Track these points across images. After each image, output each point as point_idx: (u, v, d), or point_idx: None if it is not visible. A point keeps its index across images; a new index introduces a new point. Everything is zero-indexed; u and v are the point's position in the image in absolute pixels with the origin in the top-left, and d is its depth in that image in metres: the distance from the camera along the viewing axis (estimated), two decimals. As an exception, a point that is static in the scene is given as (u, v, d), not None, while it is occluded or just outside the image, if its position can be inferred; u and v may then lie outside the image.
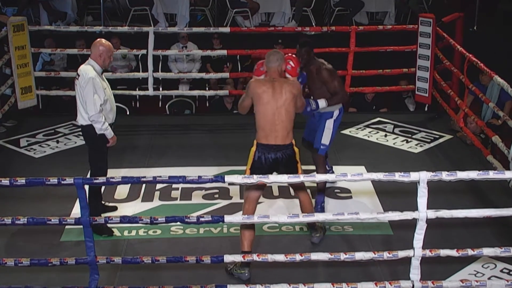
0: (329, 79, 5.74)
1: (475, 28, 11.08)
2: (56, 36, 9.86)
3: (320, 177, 4.66)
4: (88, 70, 5.39)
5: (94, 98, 5.36)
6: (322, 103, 5.73)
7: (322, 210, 5.83)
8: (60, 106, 9.12)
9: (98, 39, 5.53)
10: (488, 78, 7.63)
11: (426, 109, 9.08)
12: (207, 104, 10.09)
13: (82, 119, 5.53)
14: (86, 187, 4.53)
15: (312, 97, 5.78)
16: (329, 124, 5.88)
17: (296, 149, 5.11)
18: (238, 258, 4.72)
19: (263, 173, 4.76)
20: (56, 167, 6.86)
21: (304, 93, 5.72)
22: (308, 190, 5.37)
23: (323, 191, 5.88)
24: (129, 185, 6.35)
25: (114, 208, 6.01)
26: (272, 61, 5.07)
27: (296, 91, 5.04)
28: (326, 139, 5.88)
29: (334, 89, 5.76)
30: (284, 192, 6.24)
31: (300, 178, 4.59)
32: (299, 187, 5.27)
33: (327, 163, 6.21)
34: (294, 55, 5.50)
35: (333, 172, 6.33)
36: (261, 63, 5.24)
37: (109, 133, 5.55)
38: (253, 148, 5.07)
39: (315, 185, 5.87)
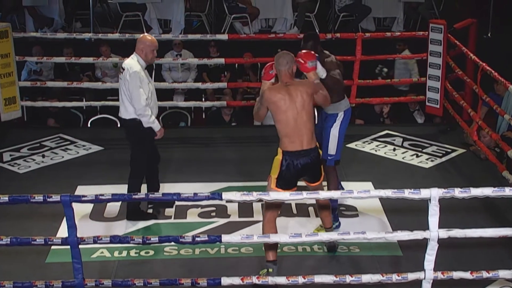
0: (331, 68, 5.73)
1: (489, 35, 11.13)
2: (43, 44, 9.90)
3: (324, 194, 4.66)
4: (133, 64, 5.79)
5: (140, 92, 5.74)
6: (321, 72, 5.58)
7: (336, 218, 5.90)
8: (46, 118, 9.12)
9: (143, 35, 6.01)
10: (503, 88, 7.64)
11: (435, 121, 9.11)
12: (204, 116, 10.10)
13: (126, 113, 5.89)
14: (74, 204, 4.53)
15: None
16: (334, 131, 5.88)
17: (320, 152, 5.29)
18: (236, 280, 4.71)
19: (290, 182, 5.05)
20: (41, 184, 6.85)
21: None
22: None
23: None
24: (120, 202, 6.33)
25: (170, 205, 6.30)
26: (282, 64, 5.14)
27: (312, 90, 5.16)
28: (332, 148, 5.89)
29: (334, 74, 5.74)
30: (285, 210, 6.24)
31: (303, 195, 4.59)
32: (319, 189, 5.31)
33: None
34: (302, 52, 5.49)
35: (342, 188, 6.32)
36: (270, 66, 5.29)
37: (157, 126, 5.96)
38: (279, 157, 5.13)
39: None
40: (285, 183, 5.09)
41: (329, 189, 5.88)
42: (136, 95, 5.77)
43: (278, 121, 5.11)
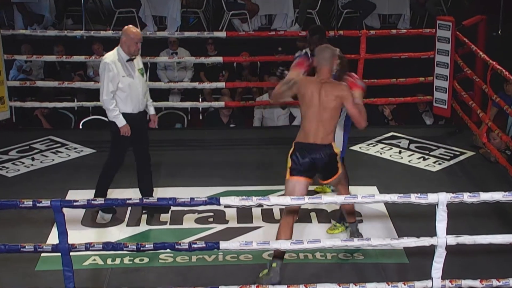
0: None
1: (499, 32, 11.13)
2: (32, 42, 9.90)
3: (327, 199, 4.66)
4: (108, 56, 5.99)
5: (105, 84, 5.90)
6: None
7: None
8: (36, 119, 9.13)
9: (127, 26, 6.08)
10: (512, 88, 7.68)
11: (443, 122, 9.12)
12: (201, 117, 10.11)
13: (101, 102, 6.09)
14: (65, 210, 4.53)
15: None
16: (338, 130, 5.94)
17: (337, 150, 5.30)
18: (235, 289, 4.72)
19: (304, 170, 5.17)
20: (31, 188, 6.85)
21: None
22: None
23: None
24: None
25: (166, 210, 6.33)
26: (325, 58, 5.26)
27: (342, 92, 5.21)
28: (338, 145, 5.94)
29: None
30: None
31: (305, 199, 4.60)
32: (337, 183, 5.49)
33: None
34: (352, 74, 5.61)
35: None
36: (304, 60, 5.44)
37: (119, 122, 6.00)
38: (291, 150, 5.29)
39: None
40: (298, 170, 5.23)
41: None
42: (102, 86, 5.97)
43: (301, 112, 5.31)
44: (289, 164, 5.26)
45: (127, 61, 6.00)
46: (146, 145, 6.33)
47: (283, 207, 5.60)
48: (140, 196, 6.26)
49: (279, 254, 5.22)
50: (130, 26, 6.10)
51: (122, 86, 5.96)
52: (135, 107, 6.10)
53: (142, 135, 6.24)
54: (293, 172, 5.25)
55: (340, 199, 4.71)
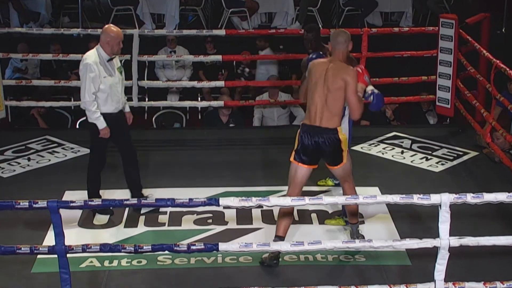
0: None
1: (503, 30, 11.14)
2: (28, 40, 9.91)
3: (327, 200, 4.66)
4: (88, 56, 5.98)
5: (87, 85, 5.90)
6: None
7: None
8: (32, 119, 9.13)
9: (107, 25, 6.12)
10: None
11: (448, 122, 9.11)
12: (200, 117, 10.11)
13: (81, 104, 6.11)
14: (62, 211, 4.53)
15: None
16: (343, 125, 5.96)
17: (342, 137, 5.37)
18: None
19: (307, 156, 5.33)
20: (27, 189, 6.86)
21: None
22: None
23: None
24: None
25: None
26: (339, 42, 5.40)
27: (350, 78, 5.27)
28: None
29: None
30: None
31: (305, 200, 4.60)
32: (343, 179, 5.62)
33: None
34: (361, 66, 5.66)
35: None
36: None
37: (100, 124, 6.02)
38: (299, 130, 5.42)
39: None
40: (300, 157, 5.38)
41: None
42: (83, 87, 5.97)
43: (308, 93, 5.39)
44: (296, 145, 5.41)
45: (108, 60, 6.03)
46: (130, 142, 6.41)
47: (302, 208, 5.67)
48: (130, 194, 6.41)
49: (282, 234, 5.46)
50: (110, 25, 6.14)
51: (103, 87, 5.99)
52: (116, 107, 6.16)
53: (124, 133, 6.32)
54: (296, 157, 5.41)
55: (341, 199, 4.70)
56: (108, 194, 6.56)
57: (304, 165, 5.41)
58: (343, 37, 5.40)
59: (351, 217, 5.80)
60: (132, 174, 6.44)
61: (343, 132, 5.46)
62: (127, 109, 6.46)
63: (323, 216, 6.27)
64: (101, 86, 5.96)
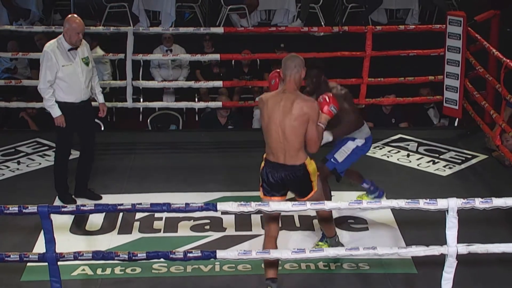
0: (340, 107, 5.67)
1: (513, 28, 11.15)
2: (18, 38, 9.91)
3: (329, 205, 4.66)
4: (48, 44, 6.25)
5: (43, 72, 6.19)
6: (326, 136, 5.58)
7: None
8: (22, 120, 9.14)
9: (71, 15, 6.34)
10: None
11: (456, 124, 9.11)
12: (197, 118, 10.12)
13: (38, 90, 6.35)
14: (53, 216, 4.53)
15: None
16: (350, 145, 6.01)
17: (310, 170, 5.07)
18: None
19: (273, 189, 5.07)
20: (17, 193, 6.86)
21: None
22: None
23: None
24: (104, 214, 6.35)
25: (97, 197, 6.66)
26: (289, 67, 5.00)
27: (310, 111, 4.94)
28: (340, 156, 6.00)
29: (344, 117, 5.79)
30: (287, 223, 6.25)
31: (307, 205, 4.60)
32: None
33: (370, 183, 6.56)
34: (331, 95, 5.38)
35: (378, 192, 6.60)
36: (275, 74, 5.37)
37: (54, 112, 6.28)
38: (262, 164, 5.19)
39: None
40: (268, 190, 5.12)
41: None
42: (40, 74, 6.25)
43: (262, 128, 5.10)
44: (261, 180, 5.17)
45: (69, 50, 6.24)
46: (90, 135, 6.67)
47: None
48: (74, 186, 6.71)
49: (273, 275, 5.14)
50: (74, 15, 6.37)
51: (62, 75, 6.21)
52: (78, 97, 6.35)
53: (85, 124, 6.55)
54: (265, 191, 5.14)
55: (344, 205, 4.70)
56: (108, 199, 6.60)
57: (276, 198, 5.09)
58: (292, 62, 4.99)
59: (327, 230, 5.69)
60: (82, 168, 6.69)
61: (311, 161, 5.18)
62: (101, 100, 6.68)
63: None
64: (59, 74, 6.20)
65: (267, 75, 9.69)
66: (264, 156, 5.17)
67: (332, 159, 6.00)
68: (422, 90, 9.17)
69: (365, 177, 6.53)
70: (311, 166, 5.08)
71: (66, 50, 6.22)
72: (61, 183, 6.62)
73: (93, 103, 6.69)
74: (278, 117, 4.95)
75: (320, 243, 5.87)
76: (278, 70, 5.25)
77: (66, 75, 6.21)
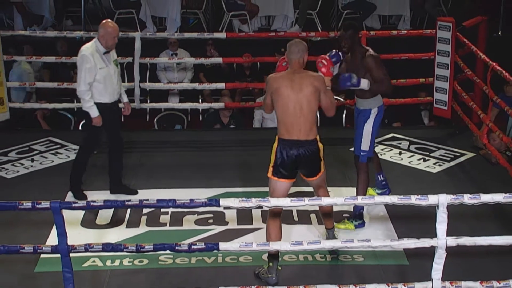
0: (373, 66, 5.80)
1: (499, 33, 11.14)
2: (32, 43, 9.91)
3: (326, 201, 4.66)
4: (85, 48, 6.26)
5: (82, 75, 6.18)
6: (364, 83, 5.74)
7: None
8: (36, 120, 9.13)
9: (106, 20, 6.39)
10: (512, 90, 7.70)
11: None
12: (200, 118, 10.11)
13: (78, 93, 6.35)
14: (64, 211, 4.53)
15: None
16: (368, 127, 6.00)
17: (320, 146, 5.27)
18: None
19: (285, 171, 5.16)
20: (30, 189, 6.86)
21: (340, 69, 5.91)
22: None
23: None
24: (113, 209, 6.35)
25: (134, 192, 6.69)
26: (293, 52, 5.20)
27: (319, 84, 5.17)
28: (365, 144, 6.01)
29: (379, 77, 5.81)
30: (286, 217, 6.25)
31: (305, 201, 4.60)
32: (319, 186, 5.46)
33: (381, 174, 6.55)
34: (325, 56, 5.66)
35: (384, 183, 6.59)
36: (284, 59, 5.41)
37: (93, 113, 6.30)
38: (275, 144, 5.24)
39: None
40: (279, 171, 5.20)
41: (358, 187, 6.02)
42: (79, 77, 6.26)
43: (277, 107, 5.19)
44: (273, 160, 5.23)
45: (104, 53, 6.30)
46: (119, 132, 6.68)
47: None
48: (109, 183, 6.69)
49: (275, 253, 5.24)
50: (108, 20, 6.41)
51: (99, 78, 6.25)
52: (111, 97, 6.42)
53: (114, 123, 6.58)
54: (274, 172, 5.23)
55: (340, 200, 4.70)
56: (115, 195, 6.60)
57: (284, 180, 5.23)
58: (297, 47, 5.19)
59: (327, 221, 5.73)
60: (115, 164, 6.67)
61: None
62: (126, 99, 6.73)
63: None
64: (97, 77, 6.24)
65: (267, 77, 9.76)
66: (277, 136, 5.24)
67: (362, 153, 6.03)
68: (420, 93, 9.14)
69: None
70: (321, 144, 5.26)
71: (102, 54, 6.28)
72: (78, 179, 6.62)
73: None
74: (294, 94, 5.12)
75: (347, 221, 6.05)
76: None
77: (102, 77, 6.26)
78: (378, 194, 6.53)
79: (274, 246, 4.71)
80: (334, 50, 5.81)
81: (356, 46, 5.87)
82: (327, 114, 5.33)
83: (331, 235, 5.73)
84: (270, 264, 5.26)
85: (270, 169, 5.25)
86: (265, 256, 5.55)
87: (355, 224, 6.04)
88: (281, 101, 5.15)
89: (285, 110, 5.14)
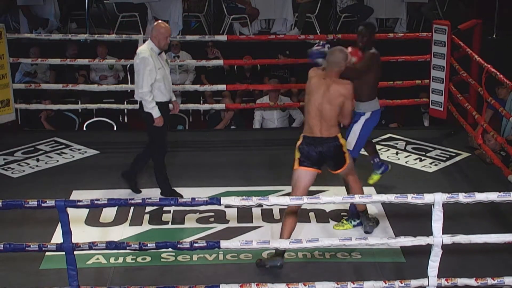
0: (364, 58, 6.04)
1: (494, 36, 11.14)
2: (38, 45, 9.91)
3: (325, 199, 4.66)
4: (142, 50, 6.25)
5: (145, 77, 6.16)
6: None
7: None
8: (40, 121, 9.13)
9: (157, 22, 6.45)
10: (505, 92, 7.68)
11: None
12: (202, 119, 10.11)
13: (137, 95, 6.36)
14: (69, 210, 4.53)
15: None
16: (356, 128, 6.08)
17: (342, 142, 5.46)
18: (235, 287, 4.71)
19: (312, 161, 5.36)
20: (36, 188, 6.85)
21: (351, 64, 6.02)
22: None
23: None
24: (116, 207, 6.34)
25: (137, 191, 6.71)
26: (333, 62, 5.40)
27: (346, 92, 5.36)
28: (350, 144, 6.03)
29: (359, 66, 5.96)
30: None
31: (304, 200, 4.60)
32: (347, 174, 5.67)
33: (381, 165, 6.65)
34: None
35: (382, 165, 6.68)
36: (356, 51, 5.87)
37: (156, 113, 6.28)
38: (299, 142, 5.46)
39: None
40: (304, 161, 5.41)
41: (352, 187, 5.97)
42: (140, 79, 6.20)
43: (306, 102, 5.47)
44: (297, 155, 5.42)
45: (159, 54, 6.32)
46: (167, 130, 6.70)
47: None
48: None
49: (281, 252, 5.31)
50: (160, 21, 6.49)
51: (158, 78, 6.25)
52: (168, 96, 6.45)
53: (167, 120, 6.57)
54: (301, 162, 5.40)
55: (338, 199, 4.70)
56: (121, 194, 6.60)
57: (308, 168, 5.39)
58: (337, 57, 5.40)
59: (359, 205, 5.87)
60: (143, 156, 6.68)
61: (343, 138, 5.52)
62: (174, 98, 6.67)
63: (320, 215, 6.28)
64: (157, 77, 6.24)
65: (267, 79, 9.78)
66: (301, 135, 5.46)
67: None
68: (422, 94, 9.12)
69: (357, 174, 6.51)
70: (342, 140, 5.48)
71: (157, 54, 6.30)
72: (164, 179, 6.58)
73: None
74: (318, 99, 5.35)
75: (345, 221, 6.07)
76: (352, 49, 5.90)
77: (161, 76, 6.29)
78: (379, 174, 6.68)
79: (274, 244, 4.71)
80: (321, 42, 5.95)
81: (369, 43, 6.10)
82: (343, 121, 5.49)
83: (365, 219, 5.92)
84: (276, 259, 5.34)
85: (296, 162, 5.43)
86: (265, 254, 5.55)
87: (353, 224, 6.04)
88: (308, 101, 5.42)
89: (309, 110, 5.39)
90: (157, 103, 6.29)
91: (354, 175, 5.72)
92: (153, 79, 6.21)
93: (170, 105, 6.62)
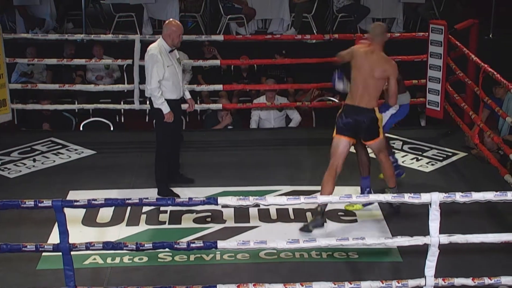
0: None
1: (490, 35, 11.15)
2: (35, 45, 9.89)
3: (322, 199, 4.66)
4: (153, 48, 6.36)
5: (153, 74, 6.26)
6: (339, 85, 6.19)
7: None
8: (37, 121, 9.12)
9: (169, 20, 6.52)
10: (502, 92, 7.68)
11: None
12: (199, 119, 10.11)
13: (146, 92, 6.47)
14: (66, 210, 4.52)
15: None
16: (384, 117, 6.32)
17: (379, 116, 5.92)
18: (232, 287, 4.71)
19: (347, 130, 5.88)
20: (32, 189, 6.84)
21: None
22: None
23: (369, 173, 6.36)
24: (113, 207, 6.33)
25: (190, 180, 6.89)
26: (377, 33, 5.96)
27: (390, 69, 5.87)
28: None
29: None
30: (282, 216, 6.25)
31: (300, 199, 4.59)
32: (379, 150, 6.13)
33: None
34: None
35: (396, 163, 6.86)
36: (361, 38, 6.39)
37: (165, 108, 6.37)
38: (340, 110, 5.97)
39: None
40: (341, 130, 5.91)
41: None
42: (149, 76, 6.31)
43: (351, 76, 5.91)
44: (337, 121, 5.91)
45: (170, 52, 6.40)
46: (181, 127, 7.00)
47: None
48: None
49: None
50: (172, 20, 6.54)
51: (167, 75, 6.33)
52: (178, 94, 6.52)
53: (179, 120, 6.76)
54: (338, 130, 5.91)
55: (335, 199, 4.70)
56: (118, 193, 6.57)
57: (345, 137, 5.87)
58: (379, 29, 5.98)
59: (390, 181, 6.22)
60: (174, 157, 6.79)
61: (380, 113, 5.95)
62: (188, 96, 6.79)
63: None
64: (165, 74, 6.32)
65: (264, 79, 9.78)
66: (343, 102, 6.03)
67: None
68: (418, 94, 9.13)
69: (355, 174, 6.52)
70: (379, 115, 5.93)
71: (167, 52, 6.37)
72: (163, 176, 6.64)
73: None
74: (365, 71, 5.82)
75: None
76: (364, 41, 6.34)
77: (170, 75, 6.35)
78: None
79: (271, 244, 4.69)
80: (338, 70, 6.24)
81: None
82: (388, 101, 6.00)
83: (394, 191, 6.11)
84: (319, 209, 5.81)
85: (335, 130, 5.93)
86: (262, 254, 5.54)
87: (363, 203, 6.23)
88: (353, 72, 5.85)
89: (354, 81, 5.85)
90: (166, 100, 6.36)
91: (386, 152, 6.13)
92: (161, 76, 6.29)
93: (185, 105, 6.76)
